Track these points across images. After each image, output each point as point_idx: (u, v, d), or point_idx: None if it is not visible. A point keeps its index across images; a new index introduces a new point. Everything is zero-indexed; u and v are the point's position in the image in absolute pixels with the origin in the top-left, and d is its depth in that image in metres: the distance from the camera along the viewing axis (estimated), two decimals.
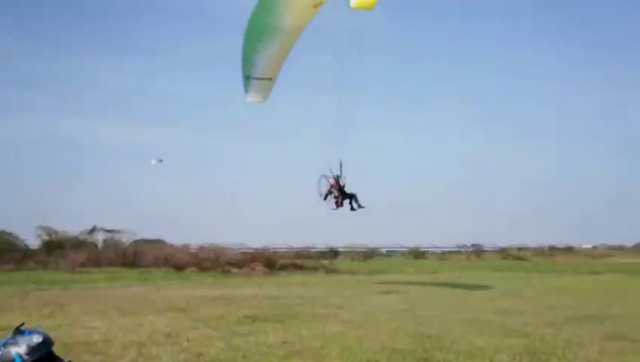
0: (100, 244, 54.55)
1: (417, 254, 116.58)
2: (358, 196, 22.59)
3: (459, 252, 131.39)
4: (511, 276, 40.39)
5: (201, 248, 52.32)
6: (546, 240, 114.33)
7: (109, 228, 54.76)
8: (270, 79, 21.87)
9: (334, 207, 22.90)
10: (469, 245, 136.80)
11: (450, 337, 11.90)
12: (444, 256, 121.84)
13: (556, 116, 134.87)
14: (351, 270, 46.44)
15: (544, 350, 10.64)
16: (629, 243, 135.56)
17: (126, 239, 53.79)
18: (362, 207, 23.22)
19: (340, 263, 63.29)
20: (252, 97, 22.68)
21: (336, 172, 22.38)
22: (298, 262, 55.35)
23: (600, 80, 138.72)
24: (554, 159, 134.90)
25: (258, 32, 21.41)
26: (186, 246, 53.81)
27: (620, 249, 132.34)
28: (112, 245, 53.32)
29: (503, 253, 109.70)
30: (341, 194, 22.51)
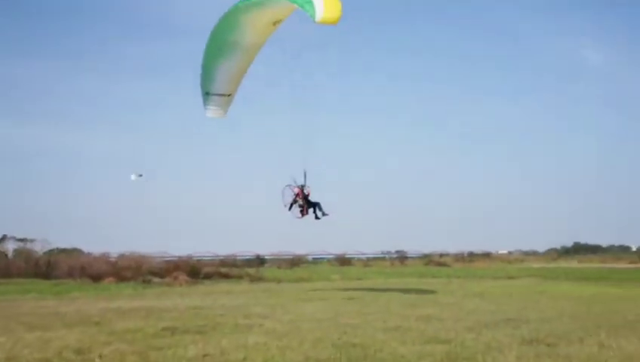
0: (10, 254, 51.48)
1: (343, 261, 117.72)
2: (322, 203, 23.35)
3: (383, 258, 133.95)
4: (433, 282, 41.33)
5: (121, 257, 50.32)
6: (466, 247, 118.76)
7: (20, 237, 51.86)
8: (229, 95, 23.06)
9: (299, 215, 23.13)
10: (394, 251, 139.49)
11: (373, 346, 11.82)
12: (369, 262, 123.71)
13: (477, 125, 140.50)
14: (277, 278, 46.07)
15: (465, 355, 10.76)
16: (542, 248, 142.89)
17: (39, 248, 51.00)
18: (326, 215, 23.46)
19: (266, 271, 62.81)
20: (212, 113, 23.27)
21: (300, 181, 22.81)
22: (223, 270, 54.19)
23: (504, 91, 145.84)
24: (472, 169, 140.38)
25: (218, 48, 21.54)
26: (105, 255, 51.55)
27: (534, 254, 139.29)
28: (23, 255, 50.34)
29: (426, 259, 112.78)
30: (306, 203, 22.79)
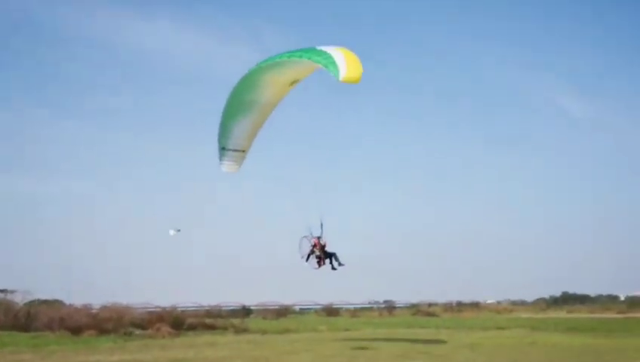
0: None
1: (330, 311, 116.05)
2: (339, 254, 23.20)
3: (371, 308, 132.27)
4: (422, 332, 40.60)
5: (103, 308, 49.03)
6: (454, 296, 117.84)
7: (0, 288, 50.61)
8: (243, 151, 24.38)
9: (316, 266, 23.40)
10: (382, 301, 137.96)
11: None
12: (356, 312, 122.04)
13: (463, 174, 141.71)
14: (262, 329, 44.96)
15: None
16: (530, 298, 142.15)
17: (20, 299, 49.54)
18: (342, 265, 23.71)
19: (252, 322, 61.47)
20: (227, 167, 24.68)
21: (317, 233, 23.16)
22: (208, 321, 52.95)
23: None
24: (460, 218, 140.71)
25: (236, 106, 22.86)
26: (86, 307, 50.18)
27: (522, 304, 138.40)
28: (2, 306, 48.80)
29: (414, 308, 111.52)
30: (323, 254, 23.05)
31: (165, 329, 40.81)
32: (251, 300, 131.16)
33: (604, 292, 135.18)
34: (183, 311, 62.02)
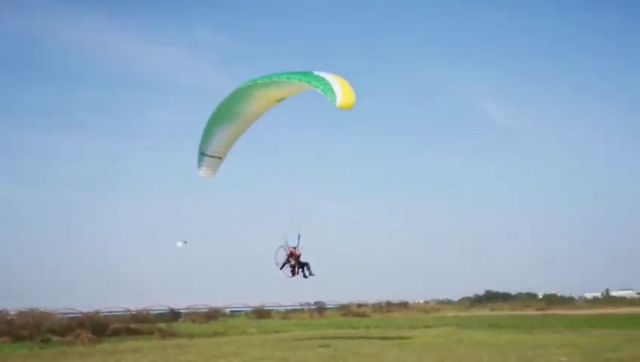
0: None
1: (261, 313, 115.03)
2: (311, 264, 24.50)
3: (302, 310, 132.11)
4: (352, 332, 40.68)
5: (19, 314, 46.20)
6: (383, 297, 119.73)
7: None
8: (220, 158, 25.33)
9: (290, 275, 24.63)
10: (312, 303, 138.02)
11: None
12: (287, 314, 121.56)
13: (391, 177, 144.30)
14: (190, 333, 43.66)
15: None
16: (456, 297, 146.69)
17: None
18: (312, 275, 24.94)
19: (179, 326, 59.73)
20: (203, 173, 25.54)
21: (293, 243, 24.43)
22: (133, 326, 50.89)
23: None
24: (388, 220, 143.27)
25: (221, 116, 23.61)
26: (2, 313, 47.12)
27: (449, 303, 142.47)
28: None
29: (344, 309, 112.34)
30: (297, 263, 24.32)
31: (85, 335, 38.76)
32: (180, 303, 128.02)
33: (524, 290, 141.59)
34: (105, 316, 59.53)
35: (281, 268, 24.47)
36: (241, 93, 23.06)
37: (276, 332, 46.34)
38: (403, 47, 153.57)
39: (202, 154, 24.98)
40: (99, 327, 44.12)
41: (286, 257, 24.40)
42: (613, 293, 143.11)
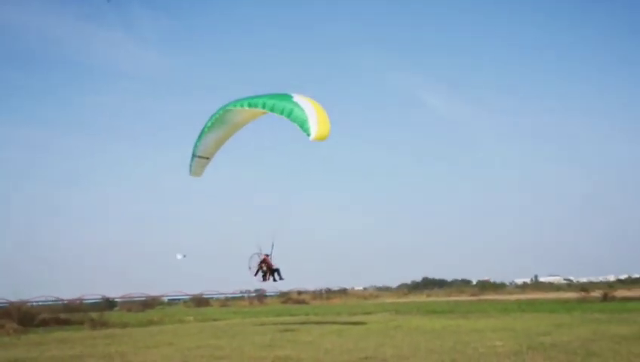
0: None
1: (200, 301, 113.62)
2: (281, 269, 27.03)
3: (242, 297, 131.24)
4: (291, 320, 40.35)
5: None
6: (323, 284, 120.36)
7: None
8: (207, 158, 28.01)
9: (262, 280, 26.93)
10: (252, 290, 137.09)
11: None
12: (227, 302, 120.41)
13: (328, 166, 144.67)
14: (123, 322, 42.15)
15: None
16: (394, 284, 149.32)
17: None
18: (282, 279, 26.99)
19: (113, 315, 57.74)
20: (193, 172, 28.25)
21: (266, 250, 26.42)
22: (63, 316, 48.71)
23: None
24: (326, 208, 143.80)
25: (214, 122, 26.22)
26: None
27: (387, 289, 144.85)
28: None
29: (284, 296, 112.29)
30: (269, 270, 26.37)
31: (11, 325, 36.78)
32: (116, 292, 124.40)
33: (459, 277, 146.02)
34: (34, 306, 56.95)
35: (255, 274, 26.55)
36: (224, 111, 25.97)
37: (214, 320, 45.48)
38: (341, 35, 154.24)
39: (193, 155, 27.67)
40: (26, 317, 42.00)
41: (259, 264, 26.35)
42: (542, 279, 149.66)
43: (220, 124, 26.64)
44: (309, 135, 22.51)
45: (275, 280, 26.87)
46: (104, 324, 40.90)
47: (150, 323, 43.39)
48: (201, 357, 16.87)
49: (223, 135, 27.43)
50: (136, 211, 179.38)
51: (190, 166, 28.03)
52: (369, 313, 46.87)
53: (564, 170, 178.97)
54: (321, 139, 22.77)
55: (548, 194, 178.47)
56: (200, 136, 27.13)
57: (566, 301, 56.55)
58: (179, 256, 28.27)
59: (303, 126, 22.76)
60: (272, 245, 26.40)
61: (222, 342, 22.34)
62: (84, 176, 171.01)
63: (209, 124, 26.54)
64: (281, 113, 23.73)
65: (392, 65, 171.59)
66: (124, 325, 39.93)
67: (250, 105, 24.83)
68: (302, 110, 23.03)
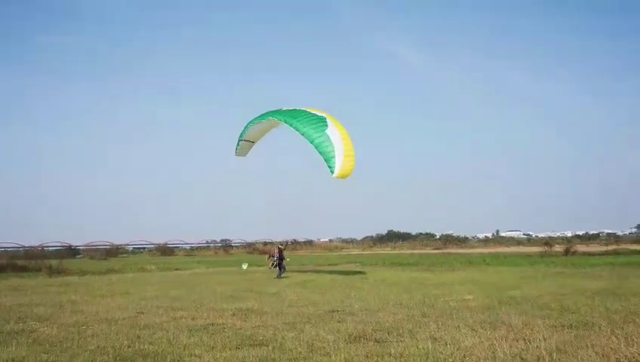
0: None
1: (165, 250, 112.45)
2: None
3: (208, 247, 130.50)
4: (255, 270, 39.67)
5: None
6: (290, 235, 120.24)
7: None
8: (253, 142, 33.60)
9: (270, 266, 32.84)
10: (219, 240, 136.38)
11: (172, 353, 9.37)
12: (192, 251, 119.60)
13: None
14: (82, 271, 40.80)
15: (285, 359, 8.85)
16: (359, 236, 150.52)
17: None
18: (281, 277, 29.95)
19: (73, 263, 56.35)
20: (238, 153, 34.10)
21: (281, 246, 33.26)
22: (20, 262, 47.06)
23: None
24: (292, 160, 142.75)
25: (258, 119, 31.86)
26: None
27: (352, 241, 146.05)
28: None
29: (250, 247, 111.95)
30: (279, 262, 31.45)
31: None
32: (80, 240, 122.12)
33: (423, 230, 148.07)
34: None
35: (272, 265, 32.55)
36: (266, 119, 31.25)
37: (177, 269, 44.53)
38: None
39: (240, 140, 33.18)
40: None
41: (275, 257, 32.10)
42: (503, 234, 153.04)
43: (260, 125, 32.04)
44: (332, 173, 26.10)
45: (279, 271, 31.17)
46: (61, 272, 39.51)
47: (110, 271, 42.19)
48: (157, 308, 15.85)
49: (262, 130, 32.79)
50: (103, 159, 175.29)
51: (236, 148, 33.73)
52: (335, 264, 46.57)
53: (527, 130, 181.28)
54: (342, 178, 26.45)
55: (510, 151, 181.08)
56: (245, 128, 32.57)
57: (528, 255, 57.35)
58: (244, 266, 32.38)
59: (329, 162, 26.11)
60: (287, 242, 33.92)
61: (181, 292, 21.37)
62: (48, 119, 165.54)
63: (253, 122, 31.98)
64: (312, 143, 26.91)
65: (369, 24, 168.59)
66: (83, 273, 38.64)
67: (287, 123, 28.74)
68: (331, 145, 26.25)
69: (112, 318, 13.99)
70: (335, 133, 26.90)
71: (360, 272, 33.85)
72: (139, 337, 10.89)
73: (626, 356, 8.11)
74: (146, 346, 9.97)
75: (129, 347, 9.93)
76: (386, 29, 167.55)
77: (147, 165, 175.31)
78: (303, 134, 27.57)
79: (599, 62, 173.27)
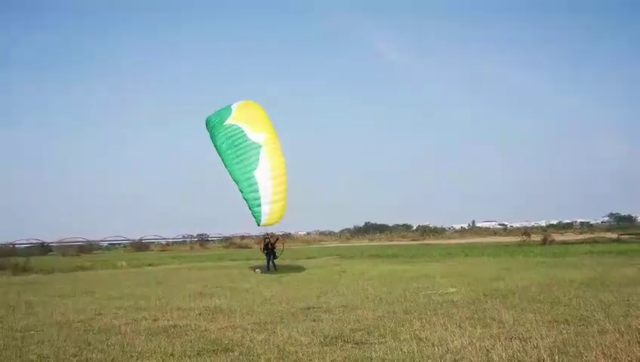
0: None
1: (140, 246, 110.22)
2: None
3: (184, 242, 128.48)
4: (231, 265, 38.48)
5: None
6: (267, 228, 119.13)
7: None
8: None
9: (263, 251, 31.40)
10: (195, 235, 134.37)
11: (137, 351, 8.25)
12: (167, 247, 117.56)
13: (278, 112, 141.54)
14: (49, 268, 39.12)
15: None
16: (337, 228, 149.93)
17: None
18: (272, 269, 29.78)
19: (43, 261, 54.37)
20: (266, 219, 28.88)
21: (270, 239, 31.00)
22: None
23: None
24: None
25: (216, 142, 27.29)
26: None
27: (330, 234, 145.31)
28: None
29: (227, 241, 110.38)
30: (269, 249, 30.52)
31: None
32: (53, 237, 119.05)
33: (400, 222, 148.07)
34: None
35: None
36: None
37: (149, 265, 43.07)
38: None
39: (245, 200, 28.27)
40: None
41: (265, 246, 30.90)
42: (479, 224, 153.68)
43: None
44: (257, 223, 25.00)
45: (273, 261, 30.46)
46: (28, 270, 37.83)
47: (79, 268, 40.61)
48: (118, 309, 14.63)
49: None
50: (79, 155, 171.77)
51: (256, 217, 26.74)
52: (312, 257, 45.56)
53: (501, 120, 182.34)
54: (270, 226, 26.41)
55: (484, 142, 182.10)
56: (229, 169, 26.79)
57: (506, 245, 57.06)
58: (258, 271, 29.42)
59: (253, 209, 24.75)
60: (277, 239, 31.76)
61: (149, 290, 20.12)
62: (22, 115, 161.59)
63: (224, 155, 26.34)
64: (239, 189, 25.00)
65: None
66: (50, 271, 37.03)
67: (221, 157, 25.69)
68: (257, 193, 24.54)
69: (65, 321, 12.75)
70: (266, 169, 24.47)
71: (338, 265, 32.88)
72: (89, 344, 9.69)
73: (638, 358, 7.20)
74: (94, 355, 8.79)
75: (74, 356, 8.74)
76: (363, 24, 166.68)
77: (124, 160, 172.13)
78: (233, 178, 25.11)
79: (573, 47, 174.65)
